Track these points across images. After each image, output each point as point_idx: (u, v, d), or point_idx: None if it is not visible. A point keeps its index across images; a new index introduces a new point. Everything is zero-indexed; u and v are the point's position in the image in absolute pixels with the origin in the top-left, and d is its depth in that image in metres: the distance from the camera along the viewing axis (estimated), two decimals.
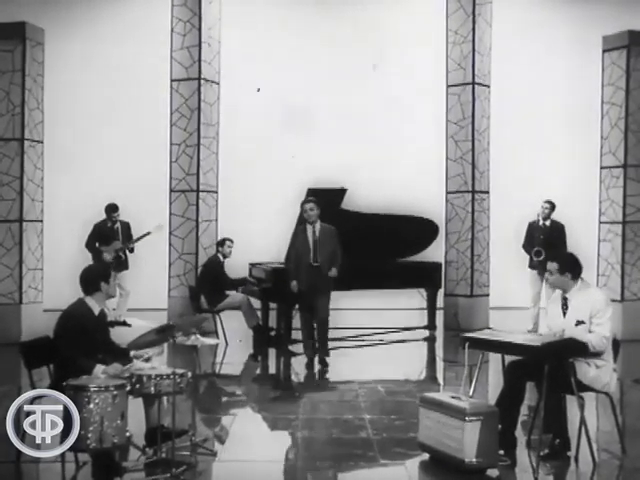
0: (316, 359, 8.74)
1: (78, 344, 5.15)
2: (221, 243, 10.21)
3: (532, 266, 10.48)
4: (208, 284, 10.02)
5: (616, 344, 5.52)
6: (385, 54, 13.02)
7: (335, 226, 8.69)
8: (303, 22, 13.04)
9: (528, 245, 10.50)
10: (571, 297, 5.52)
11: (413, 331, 10.77)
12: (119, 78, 12.62)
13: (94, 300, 5.40)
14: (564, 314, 5.53)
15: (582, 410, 5.36)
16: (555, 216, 10.48)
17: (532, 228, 10.53)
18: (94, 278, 5.42)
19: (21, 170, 10.09)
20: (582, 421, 5.37)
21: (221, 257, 10.11)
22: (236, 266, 10.48)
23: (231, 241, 10.18)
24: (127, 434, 4.86)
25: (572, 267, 5.56)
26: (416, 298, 11.08)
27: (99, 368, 5.15)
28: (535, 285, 10.55)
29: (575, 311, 5.46)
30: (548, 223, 10.47)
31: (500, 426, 5.25)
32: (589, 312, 5.39)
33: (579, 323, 5.41)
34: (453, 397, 5.39)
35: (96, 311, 5.40)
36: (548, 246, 10.26)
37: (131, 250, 10.98)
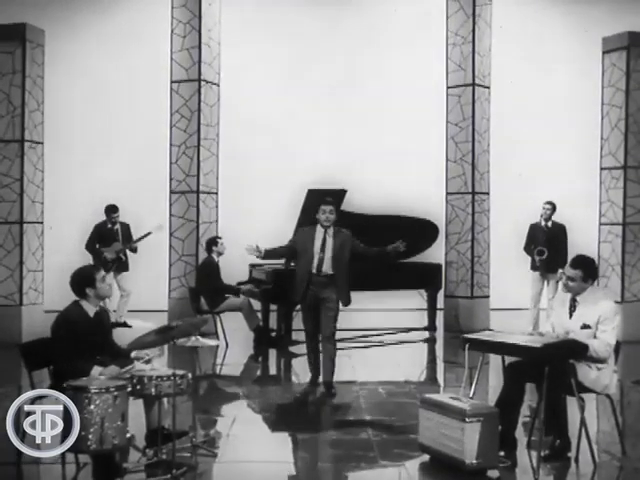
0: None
1: (73, 346, 5.15)
2: (214, 242, 10.06)
3: (534, 267, 10.48)
4: (206, 285, 9.98)
5: (616, 345, 5.52)
6: (385, 55, 13.02)
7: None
8: (303, 23, 13.03)
9: (530, 247, 10.50)
10: (581, 300, 5.52)
11: (413, 332, 10.77)
12: (119, 80, 12.64)
13: (89, 303, 5.39)
14: (570, 315, 5.54)
15: (582, 411, 5.36)
16: (556, 217, 10.49)
17: (534, 230, 10.53)
18: (78, 284, 5.38)
19: (21, 172, 10.09)
20: (582, 422, 5.38)
21: (216, 257, 10.03)
22: (237, 268, 10.48)
23: (220, 237, 10.17)
24: (128, 435, 4.86)
25: (595, 273, 5.61)
26: (416, 299, 11.09)
27: (96, 370, 5.16)
28: (536, 286, 10.55)
29: (582, 314, 5.47)
30: (550, 224, 10.48)
31: (500, 427, 5.26)
32: (596, 318, 5.39)
33: (585, 327, 5.41)
34: (453, 398, 5.40)
35: (91, 313, 5.37)
36: (550, 247, 10.28)
37: (134, 250, 10.98)
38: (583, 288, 5.54)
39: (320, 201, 7.63)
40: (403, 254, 10.51)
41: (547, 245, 10.32)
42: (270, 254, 7.76)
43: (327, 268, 7.43)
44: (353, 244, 7.55)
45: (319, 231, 7.53)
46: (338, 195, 9.94)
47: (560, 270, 10.04)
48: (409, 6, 13.12)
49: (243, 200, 12.56)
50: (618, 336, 5.54)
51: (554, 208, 10.47)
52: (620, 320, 5.56)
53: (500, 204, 11.72)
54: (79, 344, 5.18)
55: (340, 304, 7.52)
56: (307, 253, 7.48)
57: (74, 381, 4.79)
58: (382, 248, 7.71)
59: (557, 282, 10.32)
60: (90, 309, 5.38)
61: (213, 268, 9.98)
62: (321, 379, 7.62)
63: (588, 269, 5.56)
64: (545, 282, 10.49)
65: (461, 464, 5.10)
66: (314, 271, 7.44)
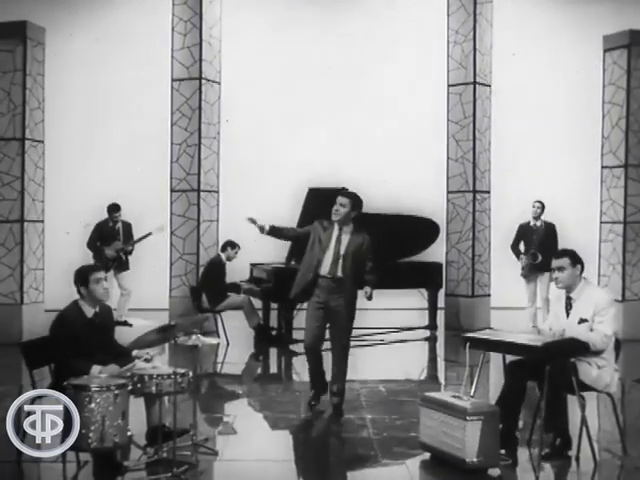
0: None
1: (71, 346, 5.15)
2: (232, 245, 10.10)
3: (524, 275, 10.49)
4: (209, 284, 10.02)
5: (617, 344, 5.52)
6: (386, 53, 13.01)
7: None
8: (303, 21, 13.03)
9: (517, 246, 10.53)
10: (575, 297, 5.52)
11: (414, 331, 10.77)
12: (120, 77, 12.63)
13: (86, 303, 5.37)
14: (567, 314, 5.53)
15: (583, 410, 5.36)
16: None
17: (523, 229, 10.54)
18: (74, 282, 5.38)
19: (22, 170, 10.08)
20: (583, 421, 5.37)
21: (224, 258, 10.08)
22: (237, 266, 10.48)
23: (239, 248, 10.16)
24: (128, 433, 4.86)
25: (580, 260, 5.57)
26: (417, 298, 11.09)
27: (96, 369, 5.16)
28: (530, 285, 10.55)
29: (579, 310, 5.46)
30: (539, 223, 10.48)
31: (501, 425, 5.26)
32: (592, 310, 5.38)
33: (582, 321, 5.40)
34: (454, 397, 5.39)
35: (89, 313, 5.35)
36: (542, 246, 10.27)
37: (129, 252, 11.00)
38: (575, 278, 5.51)
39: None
40: (403, 253, 10.59)
41: (538, 244, 10.32)
42: (276, 232, 6.81)
43: (339, 271, 6.49)
44: (364, 257, 6.57)
45: (335, 227, 6.59)
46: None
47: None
48: (410, 4, 13.10)
49: (244, 198, 12.54)
50: (618, 334, 5.54)
51: (543, 207, 10.48)
52: (616, 310, 5.52)
53: (501, 203, 11.72)
54: (77, 344, 5.17)
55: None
56: (320, 247, 6.55)
57: (75, 379, 4.78)
58: (368, 283, 6.58)
59: (550, 280, 10.33)
60: (88, 310, 5.36)
61: (220, 268, 10.02)
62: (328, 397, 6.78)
63: (573, 256, 5.57)
64: (538, 281, 10.48)
65: (462, 462, 5.10)
66: (326, 274, 6.49)
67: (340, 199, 6.58)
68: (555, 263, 5.57)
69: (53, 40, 10.91)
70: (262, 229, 6.71)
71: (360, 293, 6.60)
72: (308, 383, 6.94)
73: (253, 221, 6.74)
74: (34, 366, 5.32)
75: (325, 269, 6.51)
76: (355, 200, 6.63)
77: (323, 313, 6.52)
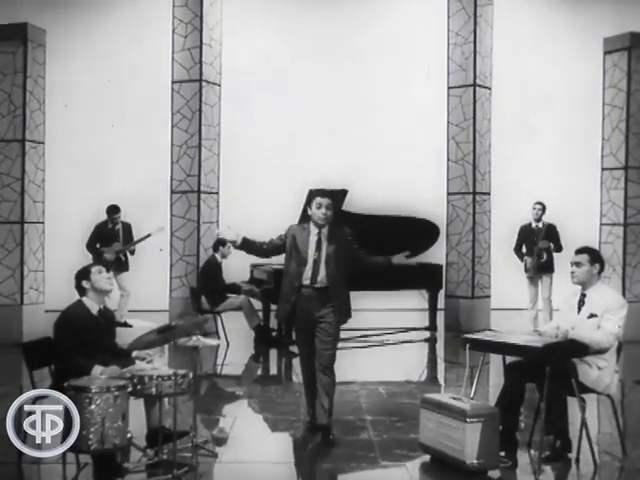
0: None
1: (75, 344, 5.17)
2: (223, 243, 10.13)
3: (530, 276, 10.48)
4: (208, 285, 10.03)
5: (618, 346, 5.52)
6: (386, 55, 13.02)
7: None
8: (303, 23, 13.04)
9: (520, 249, 10.52)
10: (590, 294, 5.53)
11: (414, 332, 10.77)
12: (120, 79, 12.64)
13: (91, 300, 5.40)
14: (579, 310, 5.54)
15: (583, 412, 5.36)
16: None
17: (525, 231, 10.53)
18: (76, 280, 5.44)
19: (22, 171, 10.10)
20: (583, 423, 5.37)
21: (219, 258, 10.09)
22: (237, 267, 10.48)
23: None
24: (128, 435, 4.86)
25: (601, 259, 5.59)
26: (417, 299, 11.09)
27: (97, 369, 5.17)
28: (532, 287, 10.55)
29: (590, 307, 5.48)
30: (540, 225, 10.49)
31: (501, 427, 5.26)
32: (603, 307, 5.40)
33: (592, 316, 5.42)
34: (454, 398, 5.39)
35: (94, 310, 5.40)
36: (545, 248, 10.29)
37: (132, 252, 11.01)
38: (591, 275, 5.52)
39: (315, 194, 6.00)
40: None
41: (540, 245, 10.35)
42: (247, 246, 6.02)
43: (323, 278, 5.84)
44: (351, 250, 5.98)
45: (313, 232, 5.94)
46: (339, 196, 9.94)
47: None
48: (410, 6, 13.12)
49: (244, 200, 12.55)
50: (620, 336, 5.53)
51: (544, 208, 10.47)
52: (626, 313, 5.51)
53: (501, 204, 11.72)
54: (81, 342, 5.19)
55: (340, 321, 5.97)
56: (298, 259, 5.88)
57: (75, 381, 4.78)
58: (387, 258, 6.12)
59: (551, 282, 10.33)
60: (93, 306, 5.40)
61: (216, 268, 10.04)
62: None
63: (594, 253, 5.59)
64: (540, 282, 10.48)
65: (462, 464, 5.10)
66: (307, 282, 5.84)
67: (325, 201, 5.89)
68: (574, 258, 5.59)
69: (54, 42, 10.91)
70: (234, 243, 5.95)
71: (355, 296, 6.19)
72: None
73: (220, 234, 6.15)
74: (34, 367, 5.32)
75: (312, 279, 5.85)
76: (338, 204, 6.16)
77: (311, 324, 5.88)
